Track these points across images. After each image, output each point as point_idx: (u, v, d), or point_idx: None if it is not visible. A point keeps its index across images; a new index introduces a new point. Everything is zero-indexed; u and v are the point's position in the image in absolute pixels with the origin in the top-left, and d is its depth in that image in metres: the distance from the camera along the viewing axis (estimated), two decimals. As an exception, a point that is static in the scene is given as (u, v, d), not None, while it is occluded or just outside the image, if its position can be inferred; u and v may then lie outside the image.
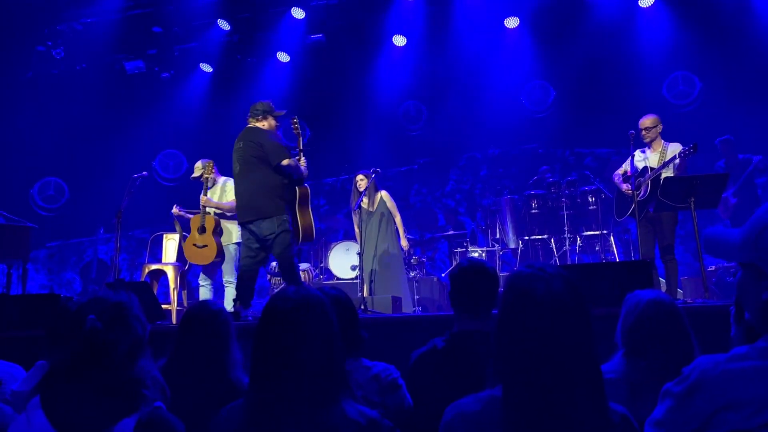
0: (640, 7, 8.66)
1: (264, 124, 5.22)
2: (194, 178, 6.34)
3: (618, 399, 1.57)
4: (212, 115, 10.05)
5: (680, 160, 5.47)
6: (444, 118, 9.93)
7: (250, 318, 4.88)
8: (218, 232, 6.13)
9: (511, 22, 9.21)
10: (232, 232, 6.26)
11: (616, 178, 6.07)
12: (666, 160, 5.53)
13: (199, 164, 6.40)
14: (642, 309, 2.21)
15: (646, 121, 5.79)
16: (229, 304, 5.73)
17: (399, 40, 9.54)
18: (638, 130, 5.78)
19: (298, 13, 9.10)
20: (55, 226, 10.09)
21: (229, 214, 6.16)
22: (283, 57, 9.81)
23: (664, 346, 2.13)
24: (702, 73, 8.89)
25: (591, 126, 9.19)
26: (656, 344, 2.14)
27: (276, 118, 5.30)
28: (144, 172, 6.40)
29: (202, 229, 6.06)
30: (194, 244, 6.09)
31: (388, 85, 9.87)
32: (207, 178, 6.19)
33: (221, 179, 6.46)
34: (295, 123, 5.37)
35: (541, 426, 1.36)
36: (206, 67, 9.93)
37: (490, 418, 1.41)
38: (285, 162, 4.98)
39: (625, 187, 5.82)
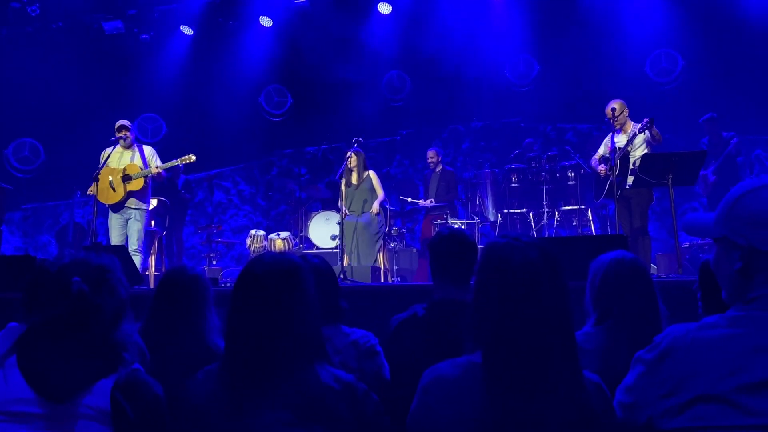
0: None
1: None
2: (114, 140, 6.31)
3: (590, 369, 1.60)
4: (192, 79, 9.88)
5: (647, 134, 5.53)
6: (427, 90, 9.87)
7: (228, 283, 4.89)
8: (135, 191, 6.19)
9: (498, -6, 9.16)
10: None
11: (593, 163, 6.16)
12: (629, 138, 5.63)
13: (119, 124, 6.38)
14: (606, 268, 2.21)
15: (614, 105, 5.78)
16: None
17: (384, 8, 9.42)
18: (608, 119, 5.80)
19: (282, -23, 8.95)
20: (31, 188, 9.92)
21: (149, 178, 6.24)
22: (265, 21, 9.64)
23: (630, 305, 2.13)
24: (685, 51, 8.92)
25: (573, 101, 9.21)
26: (622, 302, 2.14)
27: None
28: (122, 136, 6.25)
29: (126, 177, 6.15)
30: (110, 182, 6.17)
31: (372, 54, 9.77)
32: (123, 138, 6.24)
33: (135, 146, 6.39)
34: None
35: (520, 391, 1.39)
36: (187, 30, 9.73)
37: (466, 383, 1.44)
38: None
39: (601, 167, 5.92)
